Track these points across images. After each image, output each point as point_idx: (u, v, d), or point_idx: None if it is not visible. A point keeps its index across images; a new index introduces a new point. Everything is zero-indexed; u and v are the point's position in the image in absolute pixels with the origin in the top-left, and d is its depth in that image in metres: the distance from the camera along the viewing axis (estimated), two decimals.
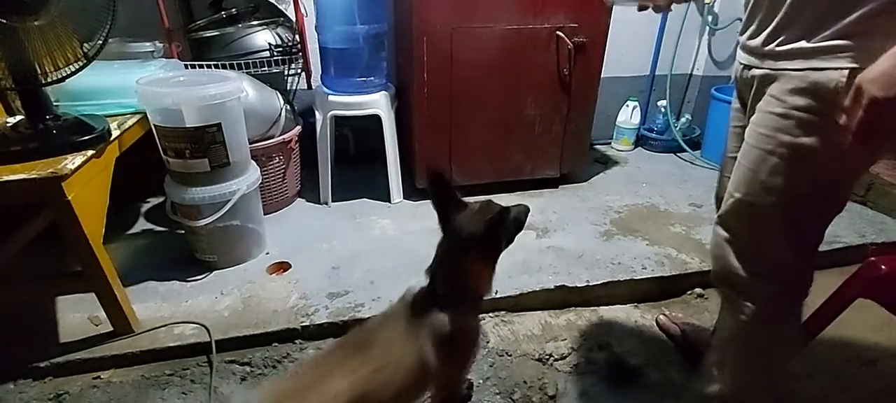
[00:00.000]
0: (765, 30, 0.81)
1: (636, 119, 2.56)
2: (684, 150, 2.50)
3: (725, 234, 0.93)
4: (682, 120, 2.59)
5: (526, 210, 0.92)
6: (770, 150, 0.81)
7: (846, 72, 0.70)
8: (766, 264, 0.89)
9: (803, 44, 0.75)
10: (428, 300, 0.87)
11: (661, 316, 1.45)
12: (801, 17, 0.75)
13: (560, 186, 2.17)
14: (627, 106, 2.55)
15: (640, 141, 2.66)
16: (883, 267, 1.00)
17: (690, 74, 2.64)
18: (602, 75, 1.97)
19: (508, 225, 0.88)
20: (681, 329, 1.37)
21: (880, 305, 1.01)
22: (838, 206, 0.84)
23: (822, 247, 1.80)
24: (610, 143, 2.68)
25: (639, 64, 2.55)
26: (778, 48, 0.79)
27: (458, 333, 0.86)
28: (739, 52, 0.91)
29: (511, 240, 0.90)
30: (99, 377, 1.26)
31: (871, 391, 1.25)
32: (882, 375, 1.30)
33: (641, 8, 1.01)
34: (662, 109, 2.56)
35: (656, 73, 2.57)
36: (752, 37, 0.85)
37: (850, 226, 1.82)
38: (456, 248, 0.86)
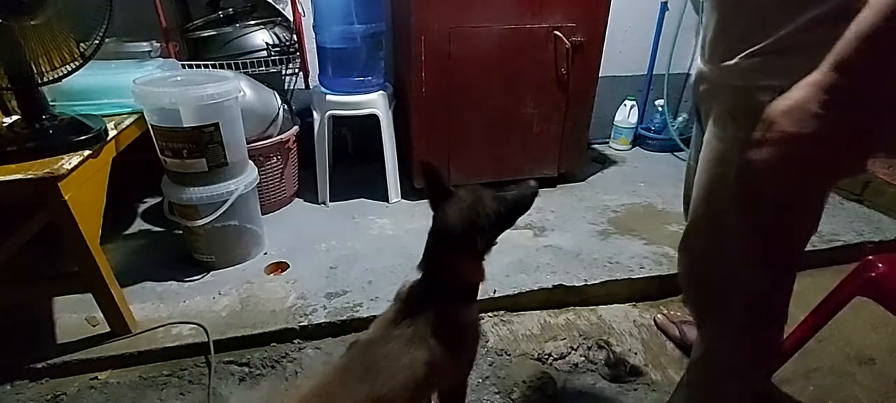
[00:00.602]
0: (707, 42, 0.76)
1: (634, 118, 2.57)
2: (682, 149, 2.51)
3: (688, 261, 0.89)
4: (680, 119, 2.59)
5: (531, 191, 0.88)
6: (717, 176, 0.76)
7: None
8: (734, 292, 0.82)
9: (737, 60, 0.68)
10: (423, 296, 0.85)
11: (660, 316, 1.45)
12: (735, 29, 0.69)
13: (558, 186, 2.18)
14: (625, 105, 2.56)
15: (638, 140, 2.67)
16: (880, 265, 1.01)
17: (688, 73, 2.64)
18: (600, 74, 1.98)
19: (500, 211, 0.83)
20: (679, 328, 1.38)
21: (878, 303, 1.01)
22: (806, 230, 0.77)
23: (821, 246, 1.81)
24: (608, 143, 2.68)
25: (636, 63, 2.56)
26: (720, 63, 0.72)
27: (460, 326, 0.85)
28: (696, 64, 0.84)
29: (511, 223, 0.87)
30: (96, 378, 1.25)
31: (869, 390, 1.26)
32: (880, 374, 1.30)
33: None
34: (660, 108, 2.57)
35: (654, 73, 2.57)
36: (701, 50, 0.79)
37: (847, 225, 1.82)
38: (442, 240, 0.84)
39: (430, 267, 0.86)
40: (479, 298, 1.45)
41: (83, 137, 1.13)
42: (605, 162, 2.47)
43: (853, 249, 1.69)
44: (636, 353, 1.35)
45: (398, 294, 0.90)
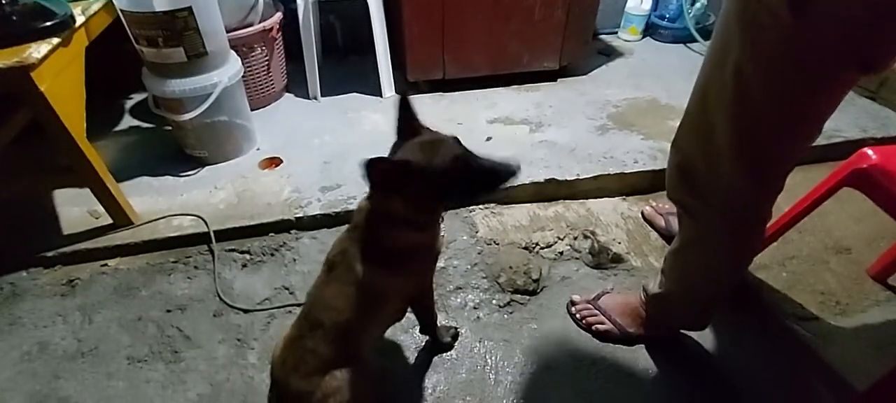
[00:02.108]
0: None
1: (647, 4, 2.38)
2: (696, 40, 2.35)
3: (677, 158, 0.87)
4: (698, 5, 2.39)
5: (507, 170, 0.75)
6: (713, 75, 0.73)
7: None
8: (717, 190, 0.82)
9: None
10: (368, 220, 0.82)
11: (647, 208, 1.48)
12: None
13: (559, 79, 2.09)
14: None
15: (649, 30, 2.49)
16: (873, 156, 0.99)
17: None
18: None
19: (461, 173, 0.73)
20: (665, 218, 1.41)
21: (865, 194, 1.02)
22: (804, 133, 0.74)
23: (821, 141, 1.77)
24: (617, 33, 2.52)
25: None
26: None
27: (398, 250, 0.82)
28: None
29: (471, 195, 0.80)
30: (106, 264, 1.33)
31: (840, 276, 1.32)
32: (854, 262, 1.36)
33: None
34: None
35: None
36: None
37: (853, 121, 1.77)
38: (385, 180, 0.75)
39: (373, 195, 0.81)
40: None
41: (49, 23, 1.07)
42: (611, 54, 2.34)
43: (854, 145, 1.66)
44: (620, 243, 1.39)
45: (355, 210, 0.86)
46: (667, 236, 1.40)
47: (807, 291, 1.28)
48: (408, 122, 0.78)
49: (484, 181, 0.75)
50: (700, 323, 1.09)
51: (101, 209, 1.33)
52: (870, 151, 1.00)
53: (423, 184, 0.72)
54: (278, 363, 0.86)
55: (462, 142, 0.77)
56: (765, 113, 0.72)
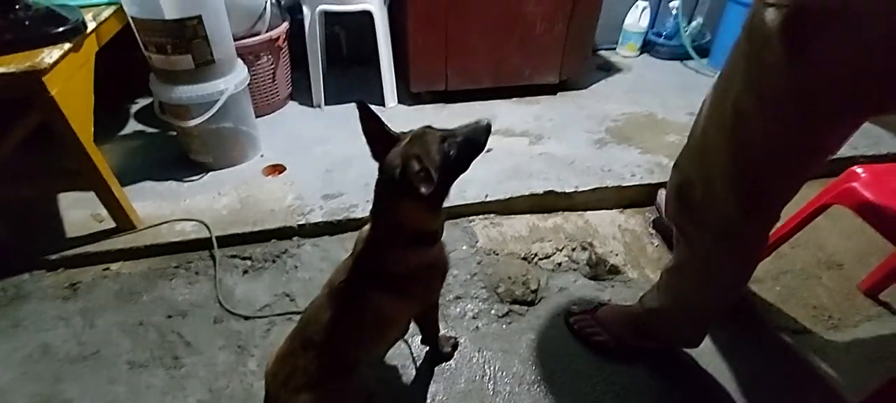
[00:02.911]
0: None
1: (645, 22, 2.43)
2: (692, 58, 2.40)
3: (677, 179, 0.89)
4: (694, 24, 2.45)
5: (483, 128, 0.76)
6: (716, 108, 0.74)
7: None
8: (712, 216, 0.83)
9: None
10: (371, 247, 0.81)
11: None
12: None
13: (559, 93, 2.12)
14: (636, 7, 2.40)
15: (647, 46, 2.54)
16: (863, 175, 1.02)
17: None
18: None
19: (448, 154, 0.74)
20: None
21: (854, 212, 1.04)
22: (801, 170, 0.74)
23: None
24: (615, 49, 2.56)
25: None
26: None
27: (407, 273, 0.81)
28: None
29: (464, 166, 0.77)
30: (108, 268, 1.34)
31: (832, 291, 1.34)
32: (846, 277, 1.38)
33: None
34: (674, 11, 2.41)
35: None
36: None
37: None
38: (388, 190, 0.76)
39: (376, 218, 0.80)
40: (470, 202, 1.51)
41: (61, 29, 1.09)
42: (609, 69, 2.38)
43: (845, 163, 1.69)
44: (617, 255, 1.42)
45: (356, 241, 0.86)
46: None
47: (800, 305, 1.30)
48: (378, 132, 0.75)
49: (469, 149, 0.76)
50: (693, 341, 1.10)
51: (104, 213, 1.34)
52: (859, 170, 1.03)
53: (441, 175, 0.72)
54: (270, 375, 0.87)
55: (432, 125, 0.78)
56: (762, 148, 0.73)
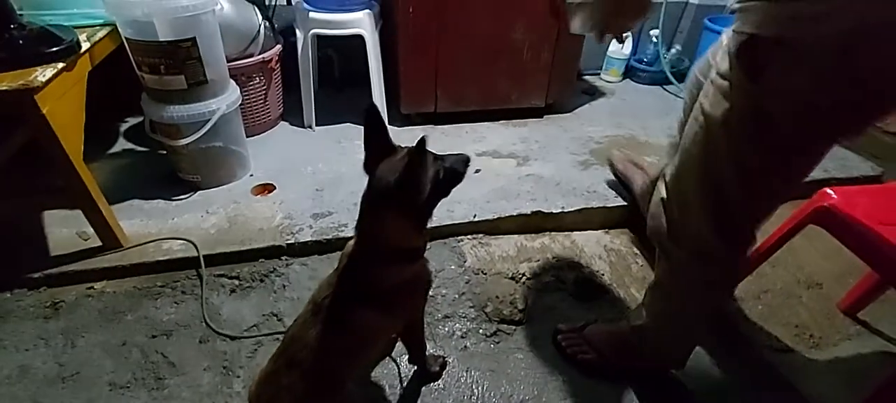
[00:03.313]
0: None
1: (627, 49, 2.52)
2: (671, 83, 2.49)
3: (661, 194, 0.91)
4: (672, 51, 2.55)
5: (463, 161, 0.81)
6: (693, 134, 0.78)
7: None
8: (686, 236, 0.86)
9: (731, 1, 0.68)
10: (356, 262, 0.82)
11: (616, 154, 1.67)
12: None
13: (545, 116, 2.18)
14: None
15: (629, 72, 2.63)
16: (833, 196, 1.07)
17: (686, 2, 2.56)
18: None
19: (439, 175, 0.77)
20: (624, 165, 1.61)
21: (827, 231, 1.08)
22: (769, 195, 0.78)
23: None
24: (599, 74, 2.65)
25: None
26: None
27: (391, 288, 0.82)
28: None
29: (445, 192, 0.80)
30: (92, 287, 1.32)
31: (813, 310, 1.38)
32: (825, 297, 1.42)
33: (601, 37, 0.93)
34: (654, 39, 2.51)
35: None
36: None
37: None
38: (376, 202, 0.77)
39: (361, 233, 0.81)
40: (459, 222, 1.53)
41: (55, 49, 1.10)
42: (594, 93, 2.46)
43: (818, 185, 1.75)
44: (603, 274, 1.44)
45: (340, 257, 0.87)
46: (625, 184, 1.59)
47: (782, 324, 1.33)
48: (378, 135, 0.78)
49: (453, 176, 0.80)
50: (678, 361, 1.12)
51: (90, 231, 1.33)
52: (830, 191, 1.08)
53: (430, 193, 0.75)
54: (254, 397, 0.85)
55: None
56: (729, 168, 0.75)
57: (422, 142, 0.69)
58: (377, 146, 0.77)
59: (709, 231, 0.82)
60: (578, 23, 1.03)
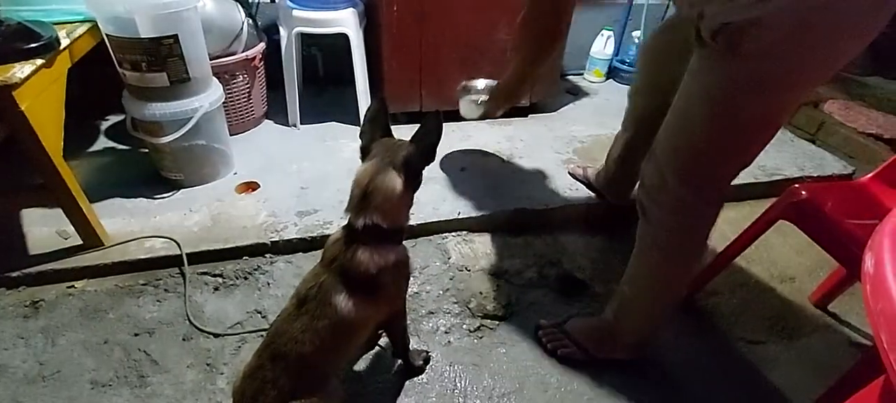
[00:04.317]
0: None
1: (610, 49, 2.56)
2: None
3: (643, 164, 1.01)
4: None
5: (434, 118, 0.88)
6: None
7: None
8: (663, 194, 0.95)
9: None
10: (348, 242, 0.85)
11: (571, 166, 1.78)
12: None
13: (530, 115, 2.20)
14: (602, 36, 2.53)
15: (612, 73, 2.68)
16: (803, 193, 1.11)
17: (667, 4, 2.61)
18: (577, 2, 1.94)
19: (419, 158, 0.87)
20: (584, 170, 1.72)
21: (797, 226, 1.12)
22: (738, 157, 0.89)
23: (764, 178, 1.92)
24: (582, 74, 2.69)
25: None
26: None
27: (376, 273, 0.85)
28: None
29: (431, 156, 0.89)
30: (73, 286, 1.31)
31: (787, 301, 1.43)
32: (798, 290, 1.47)
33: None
34: (636, 40, 2.56)
35: (634, 2, 2.53)
36: None
37: (792, 161, 1.94)
38: (387, 169, 0.84)
39: (364, 206, 0.83)
40: (444, 219, 1.55)
41: (34, 45, 1.09)
42: (577, 93, 2.49)
43: (793, 183, 1.81)
44: (585, 270, 1.47)
45: (325, 248, 0.90)
46: (588, 184, 1.70)
47: (756, 316, 1.37)
48: (381, 121, 0.89)
49: (431, 138, 0.88)
50: (650, 334, 1.16)
51: (70, 229, 1.32)
52: (798, 187, 1.12)
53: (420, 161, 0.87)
54: (238, 393, 0.86)
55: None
56: (702, 136, 0.86)
57: (437, 113, 0.85)
58: (379, 128, 0.88)
59: (684, 191, 0.91)
60: (465, 108, 1.39)
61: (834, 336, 1.34)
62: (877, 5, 0.69)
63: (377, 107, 0.89)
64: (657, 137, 0.96)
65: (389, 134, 0.90)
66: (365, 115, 0.90)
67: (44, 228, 1.40)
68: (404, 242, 0.93)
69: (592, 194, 1.68)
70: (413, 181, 0.87)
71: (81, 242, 1.34)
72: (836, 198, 1.14)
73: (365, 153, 0.88)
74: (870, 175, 1.21)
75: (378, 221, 0.83)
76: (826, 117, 2.20)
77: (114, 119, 1.96)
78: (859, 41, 0.74)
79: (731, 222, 1.68)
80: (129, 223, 1.45)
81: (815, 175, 1.85)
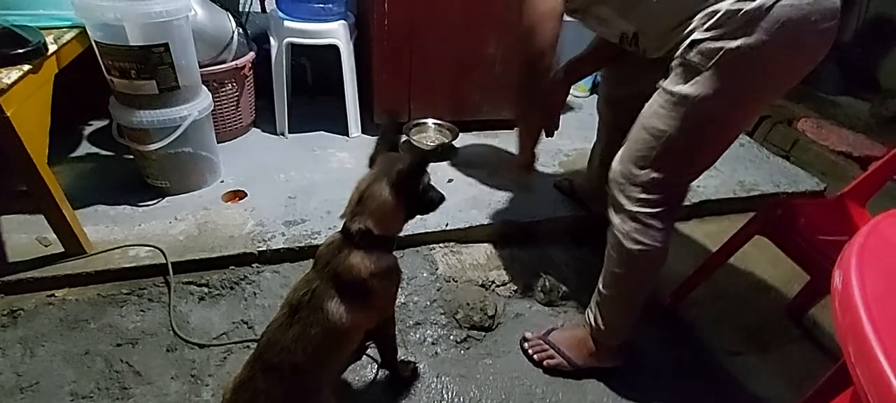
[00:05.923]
0: None
1: None
2: None
3: (615, 167, 1.08)
4: None
5: (441, 197, 0.95)
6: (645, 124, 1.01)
7: None
8: (635, 193, 1.01)
9: None
10: (342, 247, 0.87)
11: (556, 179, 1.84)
12: None
13: (516, 128, 2.23)
14: None
15: (596, 87, 2.74)
16: (777, 210, 1.16)
17: None
18: (564, 18, 1.99)
19: (422, 192, 0.91)
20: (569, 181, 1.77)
21: (771, 240, 1.17)
22: (703, 159, 1.00)
23: (742, 193, 1.98)
24: None
25: None
26: None
27: (368, 278, 0.86)
28: None
29: (424, 207, 0.94)
30: (53, 295, 1.28)
31: (764, 312, 1.48)
32: (775, 300, 1.52)
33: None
34: None
35: None
36: None
37: (768, 177, 2.01)
38: (385, 177, 0.87)
39: (361, 210, 0.86)
40: (431, 230, 1.56)
41: (21, 50, 1.08)
42: (563, 108, 2.54)
43: (769, 198, 1.89)
44: (570, 281, 1.49)
45: (317, 255, 0.91)
46: (571, 195, 1.75)
47: (735, 327, 1.41)
48: (391, 139, 0.94)
49: (434, 198, 0.94)
50: (629, 335, 1.17)
51: (51, 236, 1.29)
52: (773, 204, 1.17)
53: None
54: None
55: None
56: (672, 141, 0.93)
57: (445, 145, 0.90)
58: (387, 143, 0.93)
59: (655, 189, 0.99)
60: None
61: (809, 348, 1.39)
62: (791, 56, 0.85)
63: (388, 125, 0.96)
64: (628, 136, 1.03)
65: (396, 149, 0.95)
66: (380, 130, 0.96)
67: (23, 235, 1.37)
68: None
69: (578, 206, 1.72)
70: (407, 193, 0.88)
71: (63, 250, 1.31)
72: (808, 215, 1.19)
73: (372, 164, 0.92)
74: (840, 193, 1.27)
75: (371, 227, 0.86)
76: (799, 135, 2.29)
77: (97, 124, 1.93)
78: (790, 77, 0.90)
79: (711, 236, 1.74)
80: (112, 231, 1.43)
81: (790, 191, 1.92)
